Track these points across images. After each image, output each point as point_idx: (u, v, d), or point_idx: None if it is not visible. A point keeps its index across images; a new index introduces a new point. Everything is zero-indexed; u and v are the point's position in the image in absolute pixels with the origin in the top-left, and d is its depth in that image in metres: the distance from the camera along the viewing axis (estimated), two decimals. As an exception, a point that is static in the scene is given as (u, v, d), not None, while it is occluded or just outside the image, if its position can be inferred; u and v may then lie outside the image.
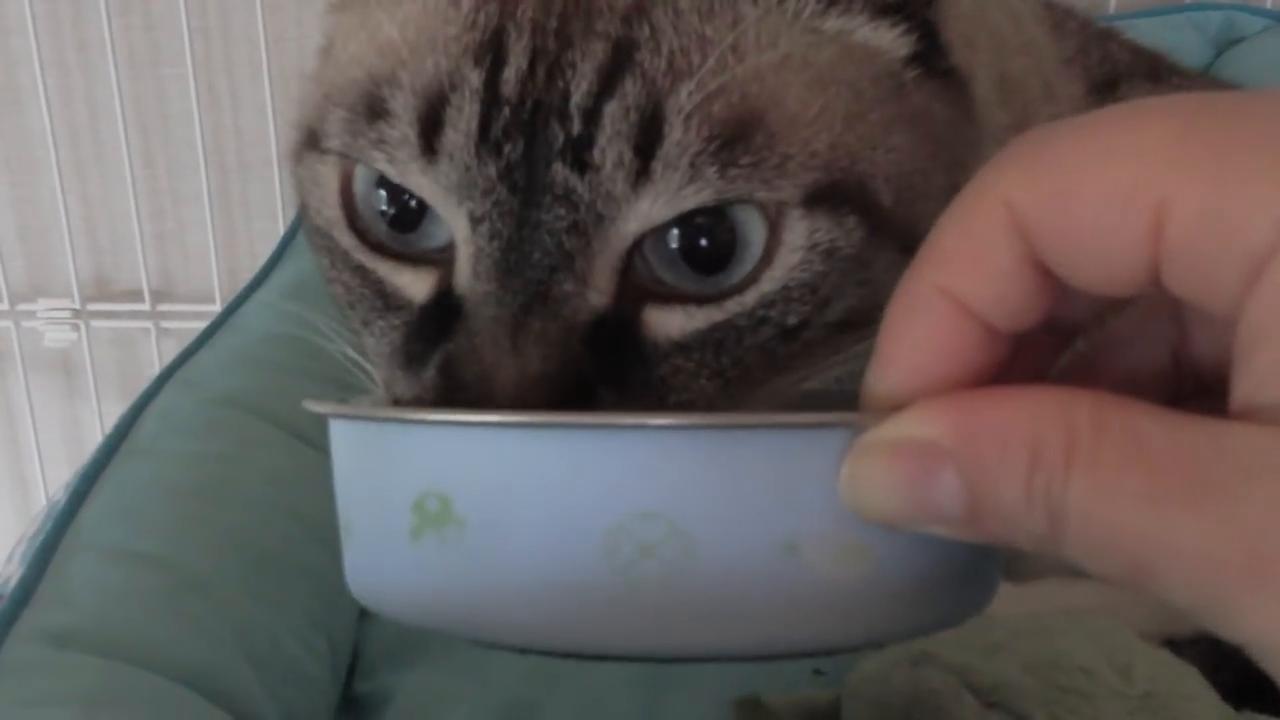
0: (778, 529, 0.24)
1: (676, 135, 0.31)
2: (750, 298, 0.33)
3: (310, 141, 0.36)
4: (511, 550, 0.25)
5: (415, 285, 0.34)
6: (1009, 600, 0.49)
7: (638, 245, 0.32)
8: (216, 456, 0.54)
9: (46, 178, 1.09)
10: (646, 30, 0.32)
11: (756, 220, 0.32)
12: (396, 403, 0.35)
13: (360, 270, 0.35)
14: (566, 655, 0.27)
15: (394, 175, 0.33)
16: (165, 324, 1.12)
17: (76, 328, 1.12)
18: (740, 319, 0.33)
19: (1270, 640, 0.20)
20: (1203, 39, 0.92)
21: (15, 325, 1.12)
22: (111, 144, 1.09)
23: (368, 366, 0.38)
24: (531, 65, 0.32)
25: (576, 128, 0.31)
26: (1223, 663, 0.41)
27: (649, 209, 0.32)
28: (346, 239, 0.36)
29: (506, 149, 0.32)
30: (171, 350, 1.13)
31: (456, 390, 0.32)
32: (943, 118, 0.37)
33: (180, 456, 0.53)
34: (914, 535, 0.24)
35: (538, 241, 0.31)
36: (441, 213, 0.33)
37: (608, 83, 0.31)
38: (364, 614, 0.55)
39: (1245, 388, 0.20)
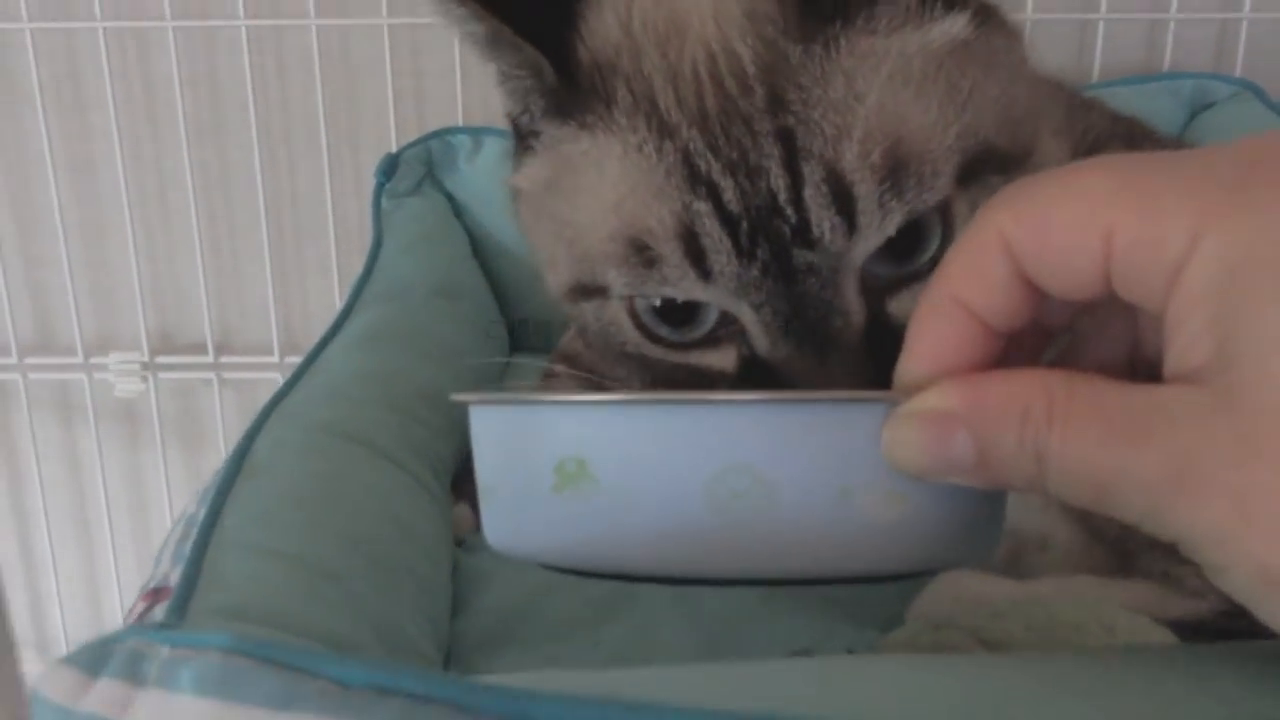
0: (836, 478, 0.33)
1: (862, 190, 0.40)
2: None
3: (584, 292, 0.46)
4: (634, 498, 0.33)
5: (722, 360, 0.44)
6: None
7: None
8: (323, 475, 0.62)
9: (117, 239, 1.18)
10: (790, 117, 0.41)
11: (931, 213, 0.42)
12: None
13: (677, 367, 0.45)
14: (672, 581, 0.35)
15: (680, 297, 0.43)
16: (227, 375, 1.21)
17: (145, 379, 1.21)
18: None
19: (1191, 534, 0.28)
20: (1177, 104, 1.01)
21: (88, 377, 1.21)
22: (177, 207, 1.18)
23: None
24: (734, 178, 0.41)
25: (794, 218, 0.41)
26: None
27: (864, 246, 0.41)
28: (656, 351, 0.45)
29: (759, 252, 0.41)
30: (232, 399, 1.22)
31: None
32: (1000, 44, 0.46)
33: (293, 475, 0.61)
34: (939, 485, 0.32)
35: (806, 305, 0.41)
36: (730, 310, 0.43)
37: (794, 173, 0.41)
38: (455, 611, 0.63)
39: (1172, 360, 0.29)
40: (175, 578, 0.53)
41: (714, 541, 0.33)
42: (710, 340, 0.44)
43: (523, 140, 0.48)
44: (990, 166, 0.42)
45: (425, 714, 0.26)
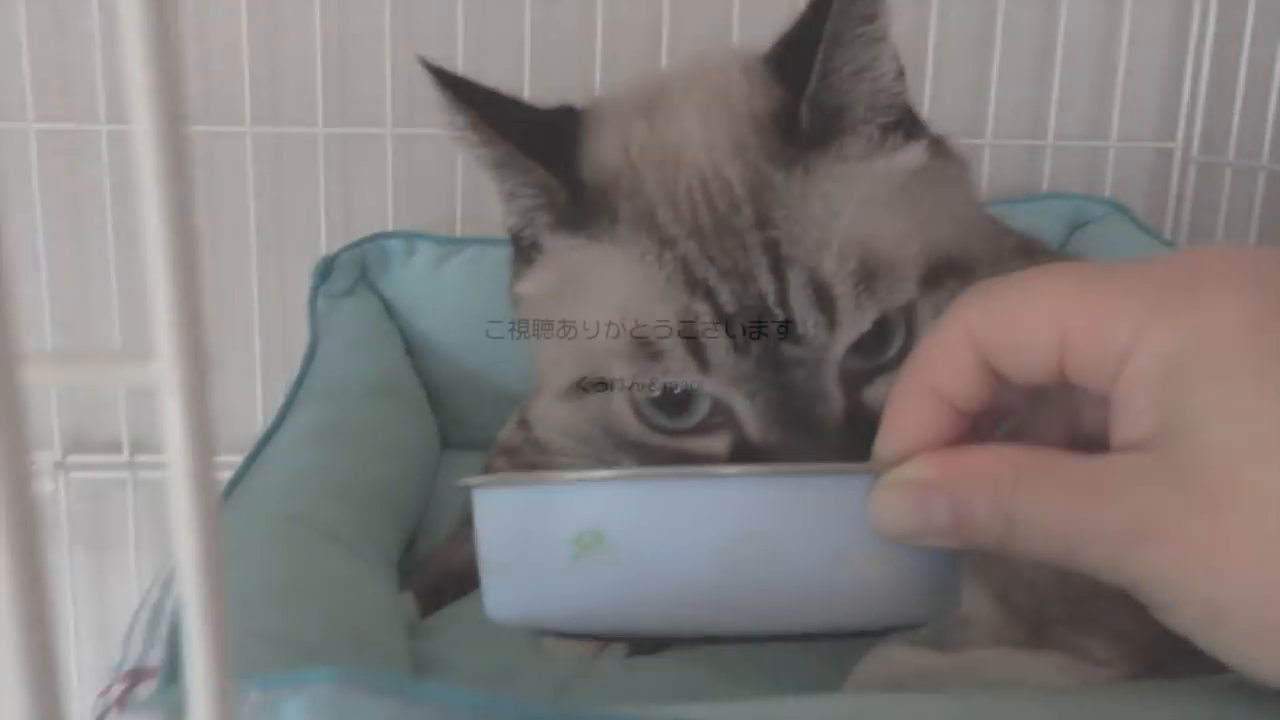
0: (831, 544, 0.37)
1: (841, 291, 0.46)
2: None
3: (588, 387, 0.51)
4: (649, 565, 0.37)
5: (715, 445, 0.49)
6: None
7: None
8: (290, 563, 0.63)
9: (33, 333, 1.17)
10: (774, 229, 0.47)
11: (898, 312, 0.48)
12: None
13: (677, 454, 0.50)
14: (682, 640, 0.39)
15: (680, 386, 0.49)
16: (142, 475, 1.20)
17: (55, 479, 1.19)
18: None
19: (1146, 579, 0.33)
20: (1058, 221, 1.11)
21: (-6, 477, 1.18)
22: (97, 306, 1.19)
23: None
24: (728, 283, 0.47)
25: (781, 317, 0.47)
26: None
27: (843, 339, 0.47)
28: (655, 438, 0.50)
29: (752, 348, 0.47)
30: (144, 499, 1.21)
31: None
32: (950, 170, 0.53)
33: (260, 562, 0.63)
34: (917, 549, 0.37)
35: (793, 393, 0.47)
36: (724, 399, 0.48)
37: (781, 277, 0.47)
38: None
39: (1120, 432, 0.34)
40: (155, 658, 0.54)
41: (721, 602, 0.37)
42: (704, 428, 0.49)
43: (523, 252, 0.53)
44: (948, 273, 0.49)
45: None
